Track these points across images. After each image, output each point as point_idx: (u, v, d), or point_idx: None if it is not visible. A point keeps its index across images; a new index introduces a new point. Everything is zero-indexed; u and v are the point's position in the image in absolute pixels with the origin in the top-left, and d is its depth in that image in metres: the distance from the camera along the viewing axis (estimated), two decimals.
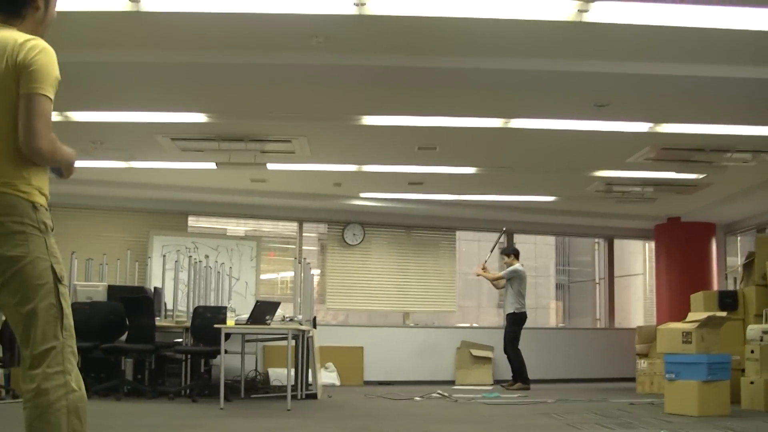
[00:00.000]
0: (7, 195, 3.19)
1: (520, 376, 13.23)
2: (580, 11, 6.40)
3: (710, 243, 15.97)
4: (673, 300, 15.09)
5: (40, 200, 3.27)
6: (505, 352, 13.55)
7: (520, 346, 13.39)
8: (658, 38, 6.95)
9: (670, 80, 7.85)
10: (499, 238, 14.52)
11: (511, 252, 14.18)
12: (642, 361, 13.08)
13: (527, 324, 13.79)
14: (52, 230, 3.32)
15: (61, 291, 3.26)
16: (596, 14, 6.43)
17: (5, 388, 9.86)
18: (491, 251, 14.54)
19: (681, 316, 10.23)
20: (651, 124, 9.51)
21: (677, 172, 11.49)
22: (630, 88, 8.18)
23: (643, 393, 12.46)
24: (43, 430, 3.13)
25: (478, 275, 14.28)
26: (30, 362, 3.20)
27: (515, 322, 13.52)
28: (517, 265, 13.78)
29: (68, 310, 3.28)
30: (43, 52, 3.23)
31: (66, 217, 13.65)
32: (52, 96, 3.22)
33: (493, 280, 14.19)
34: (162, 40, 7.27)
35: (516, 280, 13.62)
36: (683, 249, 15.73)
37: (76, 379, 3.24)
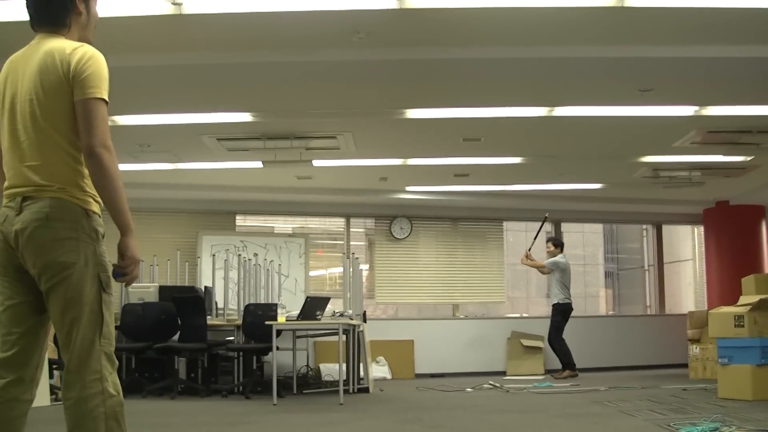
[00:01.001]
0: (62, 200, 3.25)
1: (567, 364, 13.22)
2: None
3: (760, 226, 15.81)
4: (723, 284, 14.95)
5: (94, 207, 3.33)
6: (549, 342, 13.56)
7: (564, 335, 13.38)
8: (700, 20, 6.91)
9: (714, 62, 7.80)
10: (542, 224, 14.47)
11: (552, 241, 14.15)
12: (694, 346, 13.00)
13: (576, 312, 13.76)
14: (104, 237, 3.37)
15: (104, 299, 3.31)
16: None
17: (61, 389, 9.98)
18: (534, 238, 14.50)
19: (732, 301, 10.15)
20: (696, 108, 9.43)
21: (724, 155, 11.40)
22: (674, 71, 8.13)
23: (696, 378, 12.39)
24: None
25: (522, 263, 14.31)
26: (68, 368, 3.26)
27: (559, 312, 13.51)
28: (558, 257, 13.75)
29: (109, 319, 3.32)
30: (93, 58, 3.29)
31: None
32: (107, 99, 3.28)
33: (538, 267, 14.24)
34: (205, 41, 7.34)
35: (557, 271, 13.60)
36: (733, 233, 15.59)
37: (114, 385, 3.28)
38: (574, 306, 13.69)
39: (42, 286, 3.28)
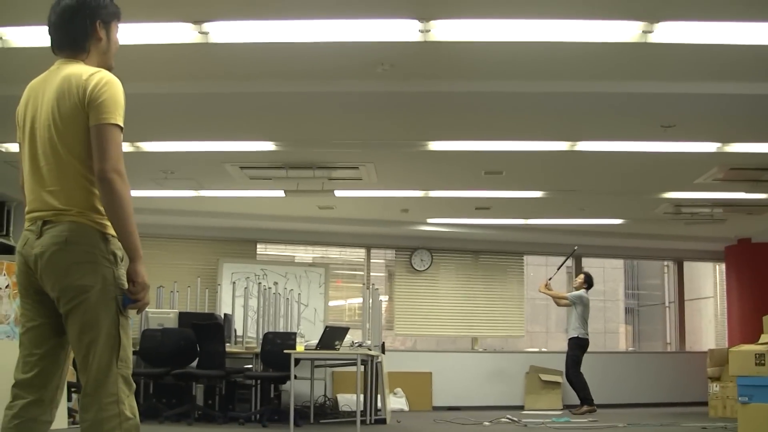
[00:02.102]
0: (80, 224, 3.29)
1: (585, 399, 13.16)
2: (645, 32, 6.38)
3: None
4: (744, 322, 14.86)
5: (112, 231, 3.34)
6: (567, 376, 13.50)
7: (583, 370, 13.32)
8: (723, 58, 6.91)
9: (737, 99, 7.80)
10: (570, 255, 14.44)
11: (585, 276, 14.09)
12: (714, 384, 12.92)
13: (596, 348, 13.74)
14: (122, 260, 3.40)
15: (122, 322, 3.33)
16: (661, 35, 6.41)
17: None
18: (558, 269, 14.48)
19: (753, 339, 10.09)
20: (718, 144, 9.42)
21: (747, 192, 11.37)
22: (696, 108, 8.14)
23: (716, 417, 12.30)
24: None
25: (540, 291, 14.28)
26: (85, 391, 3.29)
27: (577, 346, 13.45)
28: (582, 291, 13.72)
29: (126, 342, 3.34)
30: (109, 84, 3.32)
31: None
32: (121, 124, 3.32)
33: (556, 298, 14.18)
34: (230, 70, 7.39)
35: (580, 305, 13.56)
36: (755, 270, 15.49)
37: (130, 408, 3.30)
38: (593, 341, 13.64)
39: (61, 309, 3.31)
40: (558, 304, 14.47)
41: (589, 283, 13.93)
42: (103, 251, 3.31)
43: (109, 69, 3.50)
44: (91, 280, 3.27)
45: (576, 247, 14.45)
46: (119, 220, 3.28)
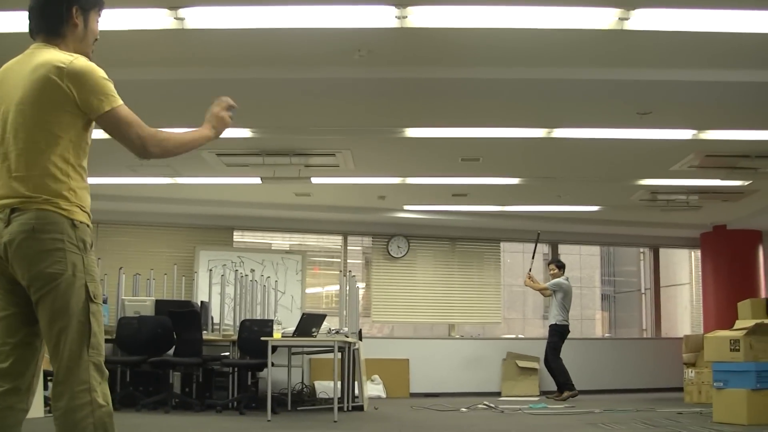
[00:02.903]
0: (48, 212, 3.25)
1: (565, 384, 13.20)
2: (621, 19, 6.40)
3: (757, 250, 15.83)
4: (720, 308, 14.96)
5: (81, 217, 3.32)
6: (546, 363, 13.54)
7: (566, 357, 13.37)
8: (700, 45, 6.93)
9: (713, 86, 7.82)
10: (536, 243, 14.46)
11: (555, 263, 14.15)
12: (689, 370, 12.99)
13: (573, 334, 13.76)
14: (92, 247, 3.38)
15: (92, 309, 3.30)
16: (637, 22, 6.43)
17: None
18: (532, 258, 14.52)
19: (728, 325, 10.16)
20: (694, 132, 9.46)
21: (722, 179, 11.41)
22: (673, 95, 8.16)
23: (691, 402, 12.37)
24: None
25: (526, 285, 14.31)
26: (57, 379, 3.26)
27: (557, 333, 13.49)
28: (561, 279, 13.76)
29: (97, 328, 3.31)
30: (89, 71, 3.29)
31: (113, 234, 13.85)
32: (120, 101, 3.35)
33: (540, 290, 14.23)
34: (206, 56, 7.36)
35: (559, 292, 13.59)
36: (730, 257, 15.61)
37: (103, 395, 3.27)
38: (570, 328, 13.68)
39: (32, 297, 3.28)
40: (544, 295, 14.52)
41: (561, 267, 13.97)
42: (71, 238, 3.27)
43: (86, 57, 3.45)
44: (60, 267, 3.23)
45: (539, 232, 14.45)
46: (183, 152, 3.53)
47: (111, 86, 3.33)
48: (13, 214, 3.26)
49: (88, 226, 3.37)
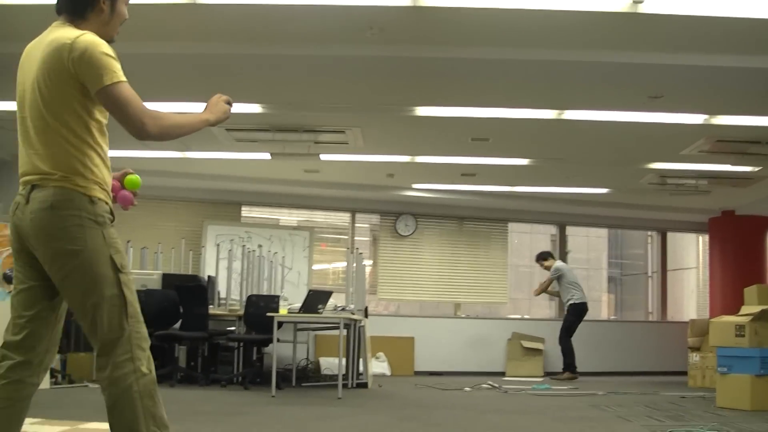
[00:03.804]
0: (65, 189, 3.27)
1: (568, 366, 13.25)
2: (635, 2, 6.38)
3: (765, 236, 15.80)
4: (726, 293, 14.95)
5: (99, 194, 3.35)
6: (559, 339, 13.60)
7: (573, 338, 13.42)
8: (713, 29, 6.91)
9: (725, 72, 7.80)
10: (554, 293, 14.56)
11: (540, 256, 14.24)
12: (694, 354, 13.00)
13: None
14: (113, 221, 3.40)
15: (123, 280, 3.33)
16: (651, 5, 6.41)
17: (62, 373, 10.02)
18: (545, 289, 14.63)
19: (734, 310, 10.15)
20: (706, 116, 9.43)
21: (732, 164, 11.39)
22: (684, 79, 8.14)
23: (695, 387, 12.39)
24: (120, 416, 3.28)
25: (536, 294, 14.29)
26: (99, 352, 3.30)
27: (573, 312, 13.56)
28: (555, 263, 13.89)
29: (131, 297, 3.35)
30: (91, 46, 3.27)
31: (117, 208, 13.85)
32: (123, 78, 3.28)
33: (549, 288, 14.25)
34: (218, 31, 7.35)
35: (561, 276, 13.69)
36: (737, 242, 15.59)
37: (147, 363, 3.33)
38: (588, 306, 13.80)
39: (54, 276, 3.31)
40: (553, 292, 14.47)
41: (548, 257, 14.12)
42: (90, 213, 3.29)
43: (109, 41, 3.45)
44: (80, 243, 3.26)
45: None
46: (181, 135, 3.49)
47: (112, 62, 3.28)
48: (33, 191, 3.30)
49: (106, 203, 3.40)
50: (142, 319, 3.38)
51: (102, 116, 3.38)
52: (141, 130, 3.27)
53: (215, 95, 3.69)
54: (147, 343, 3.37)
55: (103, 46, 3.29)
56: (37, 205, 3.27)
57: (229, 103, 3.71)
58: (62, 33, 3.33)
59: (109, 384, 3.27)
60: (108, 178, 3.44)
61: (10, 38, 6.83)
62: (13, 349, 3.35)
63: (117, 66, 3.29)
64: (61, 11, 3.47)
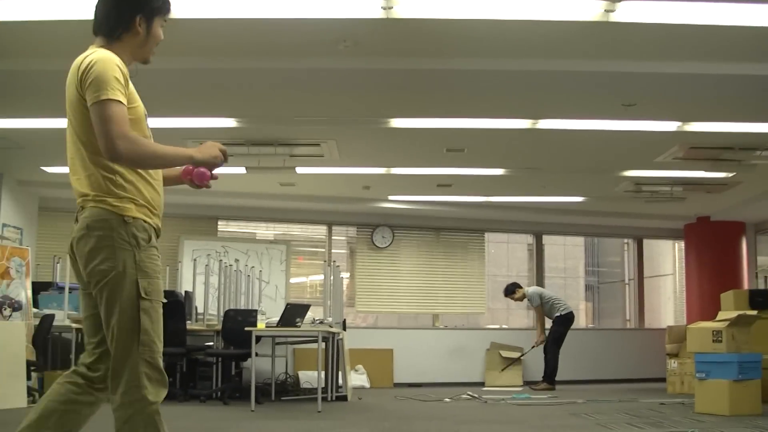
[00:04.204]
0: (100, 210, 3.31)
1: (548, 377, 13.27)
2: (607, 11, 6.40)
3: (740, 242, 15.91)
4: (703, 299, 15.03)
5: (134, 213, 3.36)
6: (545, 350, 13.60)
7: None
8: (685, 37, 6.94)
9: (698, 79, 7.84)
10: (526, 352, 14.54)
11: (508, 289, 14.25)
12: (672, 361, 13.05)
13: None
14: (148, 242, 3.41)
15: (143, 306, 3.32)
16: (623, 14, 6.43)
17: (39, 391, 9.96)
18: (520, 356, 14.62)
19: (711, 316, 10.21)
20: (679, 123, 9.48)
21: (706, 171, 11.45)
22: (657, 87, 8.18)
23: (674, 393, 12.43)
24: None
25: (541, 335, 14.12)
26: (111, 374, 3.32)
27: (559, 323, 13.59)
28: (525, 290, 13.97)
29: (148, 325, 3.33)
30: (97, 62, 3.27)
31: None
32: (115, 97, 3.22)
33: (542, 322, 14.16)
34: (191, 46, 7.32)
35: (538, 299, 13.74)
36: (713, 248, 15.67)
37: (154, 392, 3.32)
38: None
39: (94, 295, 3.37)
40: (543, 315, 14.35)
41: (515, 289, 14.16)
42: (122, 235, 3.31)
43: (144, 62, 3.56)
44: (109, 264, 3.29)
45: (526, 351, 14.54)
46: (158, 166, 3.49)
47: (111, 80, 3.24)
48: (80, 213, 3.38)
49: (145, 221, 3.41)
50: (158, 348, 3.38)
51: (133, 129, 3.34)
52: (112, 150, 3.20)
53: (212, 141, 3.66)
54: (158, 372, 3.36)
55: (109, 64, 3.28)
56: (79, 226, 3.35)
57: (224, 155, 3.69)
58: (82, 54, 3.36)
59: (116, 408, 3.29)
60: (149, 192, 3.46)
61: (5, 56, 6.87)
62: (82, 371, 3.45)
63: (115, 84, 3.25)
64: (97, 33, 3.49)
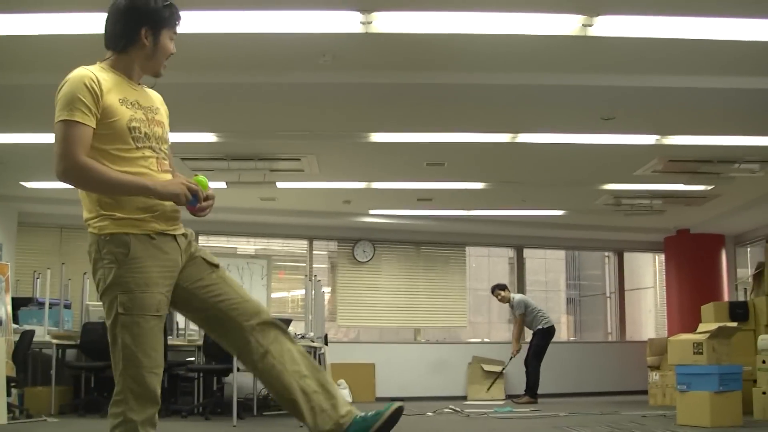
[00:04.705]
0: (89, 235, 3.37)
1: (530, 390, 13.25)
2: (585, 26, 6.43)
3: (720, 254, 15.97)
4: (683, 312, 15.06)
5: (110, 229, 3.32)
6: (526, 363, 13.56)
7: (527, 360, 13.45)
8: (663, 51, 6.99)
9: (676, 92, 7.89)
10: (507, 364, 14.52)
11: (497, 288, 14.18)
12: (654, 373, 13.07)
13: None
14: (128, 256, 3.33)
15: (122, 321, 3.31)
16: (601, 28, 6.47)
17: (19, 408, 9.90)
18: (502, 370, 14.61)
19: (692, 328, 10.23)
20: (658, 137, 9.53)
21: (685, 183, 11.51)
22: (636, 100, 8.23)
23: (656, 405, 12.44)
24: None
25: (517, 345, 14.08)
26: None
27: (539, 337, 13.55)
28: (510, 295, 13.89)
29: (129, 340, 3.31)
30: (67, 82, 3.28)
31: (77, 238, 13.73)
32: (72, 118, 3.20)
33: (520, 332, 14.12)
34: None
35: (521, 308, 13.69)
36: (693, 261, 15.72)
37: (138, 409, 3.32)
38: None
39: None
40: (526, 324, 14.31)
41: (504, 288, 14.10)
42: (102, 253, 3.33)
43: (156, 75, 3.61)
44: (99, 284, 3.36)
45: (506, 365, 14.53)
46: (107, 193, 3.32)
47: (70, 100, 3.23)
48: None
49: (126, 233, 3.34)
50: (146, 363, 3.34)
51: (109, 143, 3.33)
52: (55, 170, 3.22)
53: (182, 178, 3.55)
54: (143, 388, 3.33)
55: (76, 83, 3.26)
56: None
57: (192, 195, 3.54)
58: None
59: (109, 417, 3.34)
60: (140, 200, 3.37)
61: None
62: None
63: (77, 104, 3.22)
64: (107, 46, 3.52)
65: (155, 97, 3.71)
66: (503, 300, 14.02)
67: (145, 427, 3.33)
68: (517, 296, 13.98)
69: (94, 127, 3.26)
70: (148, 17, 3.48)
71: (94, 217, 3.34)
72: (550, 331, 13.60)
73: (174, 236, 3.53)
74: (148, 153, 3.43)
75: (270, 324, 3.59)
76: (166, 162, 3.55)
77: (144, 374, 3.32)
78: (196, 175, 3.70)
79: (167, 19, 3.57)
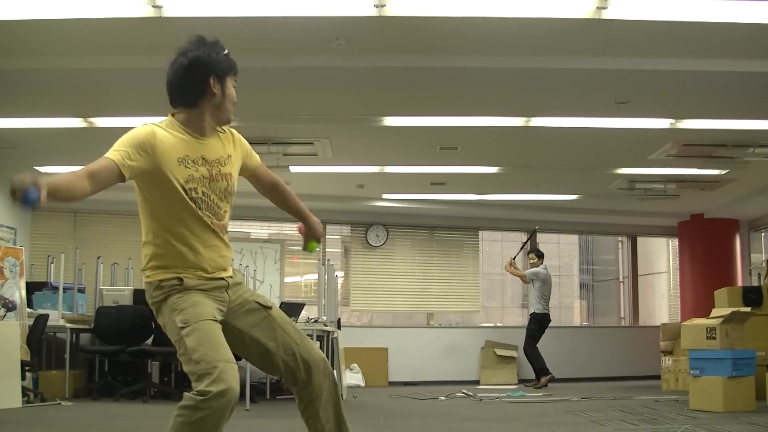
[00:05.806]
0: (145, 283, 3.71)
1: (540, 370, 13.23)
2: (599, 8, 6.41)
3: (734, 239, 15.93)
4: (697, 297, 15.03)
5: (162, 275, 3.62)
6: (524, 350, 13.58)
7: (539, 345, 13.40)
8: (678, 34, 6.95)
9: (691, 76, 7.85)
10: (531, 236, 14.54)
11: (535, 252, 14.17)
12: (667, 358, 13.06)
13: (551, 323, 13.77)
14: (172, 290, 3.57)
15: (185, 333, 3.43)
16: (615, 11, 6.44)
17: (33, 391, 9.94)
18: (521, 248, 14.62)
19: (705, 313, 10.20)
20: (672, 121, 9.49)
21: (700, 168, 11.46)
22: (650, 84, 8.18)
23: (668, 390, 12.43)
24: None
25: (506, 270, 14.32)
26: None
27: (536, 321, 13.54)
28: (539, 268, 13.79)
29: (193, 343, 3.40)
30: (131, 130, 3.56)
31: (91, 223, 13.81)
32: (109, 155, 3.44)
33: (520, 277, 14.29)
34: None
35: (537, 282, 13.63)
36: (707, 246, 15.68)
37: (191, 397, 3.41)
38: (551, 317, 13.74)
39: None
40: (524, 282, 14.56)
41: (540, 257, 14.00)
42: (158, 296, 3.63)
43: (225, 123, 3.75)
44: (162, 325, 3.65)
45: (537, 227, 14.56)
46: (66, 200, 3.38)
47: (120, 141, 3.52)
48: None
49: (177, 277, 3.60)
50: (192, 357, 3.39)
51: (153, 191, 3.63)
52: None
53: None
54: (197, 379, 3.38)
55: (133, 132, 3.57)
56: None
57: (29, 195, 3.13)
58: None
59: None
60: (172, 257, 3.65)
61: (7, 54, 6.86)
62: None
63: (119, 147, 3.49)
64: (175, 105, 3.68)
65: (227, 143, 3.85)
66: (534, 265, 13.95)
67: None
68: (540, 269, 13.86)
69: (123, 169, 3.44)
70: (213, 67, 3.65)
71: (145, 270, 3.67)
72: (543, 318, 13.54)
73: (221, 278, 3.79)
74: (202, 213, 3.70)
75: (315, 375, 3.86)
76: (222, 222, 3.88)
77: (215, 364, 3.37)
78: (311, 242, 4.35)
79: (229, 67, 3.74)
